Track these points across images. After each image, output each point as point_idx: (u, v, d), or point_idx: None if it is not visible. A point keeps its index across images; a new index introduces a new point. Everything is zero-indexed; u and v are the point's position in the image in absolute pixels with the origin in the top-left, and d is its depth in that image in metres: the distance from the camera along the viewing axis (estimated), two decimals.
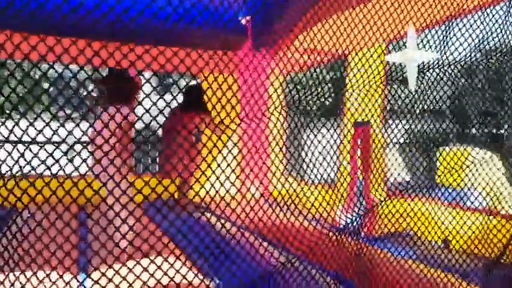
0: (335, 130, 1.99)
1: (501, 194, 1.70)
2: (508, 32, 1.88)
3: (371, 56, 2.00)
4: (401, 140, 1.96)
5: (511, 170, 1.70)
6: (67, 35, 1.21)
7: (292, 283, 1.50)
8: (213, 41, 1.70)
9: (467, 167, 2.44)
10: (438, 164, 2.43)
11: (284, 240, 1.63)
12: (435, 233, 1.71)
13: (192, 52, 1.40)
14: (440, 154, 2.64)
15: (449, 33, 1.87)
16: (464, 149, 2.62)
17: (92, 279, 1.22)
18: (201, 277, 1.43)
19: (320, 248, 1.61)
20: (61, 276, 1.19)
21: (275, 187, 1.87)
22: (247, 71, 1.81)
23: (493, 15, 1.82)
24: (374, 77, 2.13)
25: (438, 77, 1.89)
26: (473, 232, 1.79)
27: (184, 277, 1.29)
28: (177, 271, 1.28)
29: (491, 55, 1.98)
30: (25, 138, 1.09)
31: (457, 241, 1.78)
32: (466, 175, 2.43)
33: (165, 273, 1.25)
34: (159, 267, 1.24)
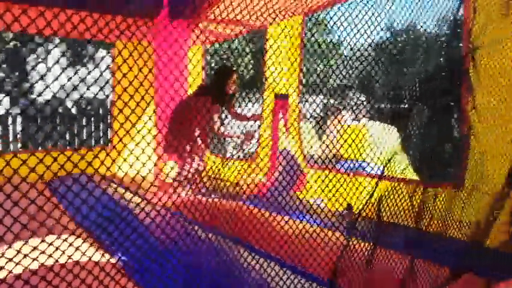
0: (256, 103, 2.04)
1: (395, 161, 1.89)
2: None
3: (289, 28, 2.05)
4: (317, 114, 2.07)
5: (407, 140, 1.91)
6: None
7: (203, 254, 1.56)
8: (129, 8, 1.61)
9: (370, 143, 2.68)
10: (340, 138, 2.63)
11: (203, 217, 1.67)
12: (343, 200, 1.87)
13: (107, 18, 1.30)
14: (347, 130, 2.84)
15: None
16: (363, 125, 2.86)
17: None
18: (106, 255, 1.42)
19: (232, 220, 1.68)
20: None
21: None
22: (163, 40, 1.76)
23: None
24: (292, 50, 2.18)
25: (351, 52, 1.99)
26: (371, 196, 1.98)
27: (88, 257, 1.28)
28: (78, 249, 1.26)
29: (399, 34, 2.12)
30: None
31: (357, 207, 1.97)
32: (366, 148, 2.67)
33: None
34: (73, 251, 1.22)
